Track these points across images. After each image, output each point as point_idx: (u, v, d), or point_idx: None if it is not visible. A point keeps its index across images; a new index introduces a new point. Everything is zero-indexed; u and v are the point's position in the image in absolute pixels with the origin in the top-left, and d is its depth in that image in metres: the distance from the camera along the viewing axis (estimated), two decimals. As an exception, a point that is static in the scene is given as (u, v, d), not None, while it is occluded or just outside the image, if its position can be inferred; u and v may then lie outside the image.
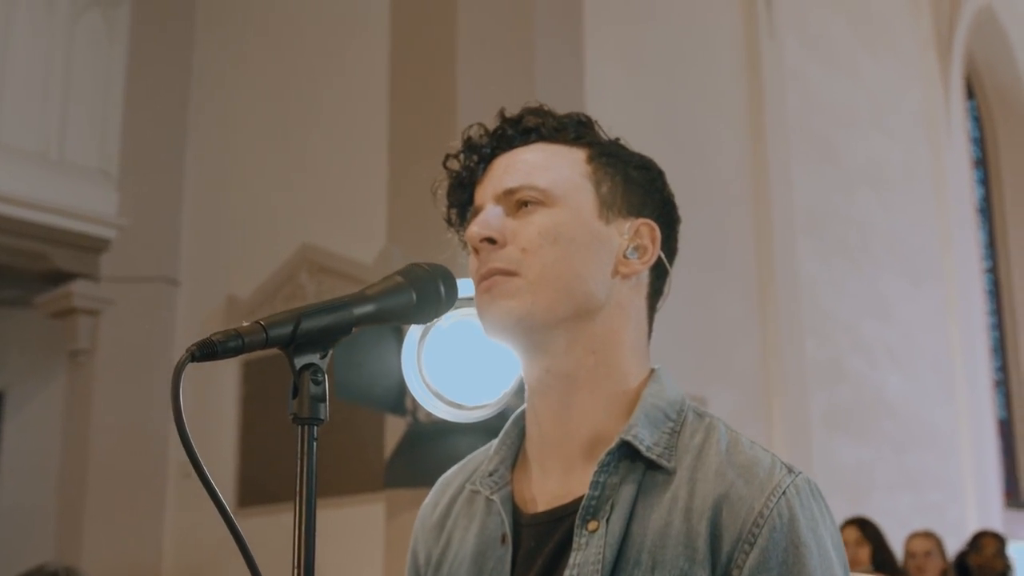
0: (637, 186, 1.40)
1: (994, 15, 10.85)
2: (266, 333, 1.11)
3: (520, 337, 1.33)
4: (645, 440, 1.30)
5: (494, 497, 1.38)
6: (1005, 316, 11.37)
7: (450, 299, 1.28)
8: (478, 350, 1.82)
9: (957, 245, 9.69)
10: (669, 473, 1.29)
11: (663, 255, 1.40)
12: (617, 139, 1.45)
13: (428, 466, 3.94)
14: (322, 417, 1.13)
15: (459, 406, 1.73)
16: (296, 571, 1.09)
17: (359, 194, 5.64)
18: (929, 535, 5.94)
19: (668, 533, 1.25)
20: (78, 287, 6.25)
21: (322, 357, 1.15)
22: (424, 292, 1.25)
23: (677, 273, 1.45)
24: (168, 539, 6.09)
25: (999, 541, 6.32)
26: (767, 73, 7.65)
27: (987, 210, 11.56)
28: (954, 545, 6.48)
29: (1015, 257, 11.43)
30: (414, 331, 1.75)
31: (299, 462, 1.11)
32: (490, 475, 1.41)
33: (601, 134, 1.44)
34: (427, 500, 1.52)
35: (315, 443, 1.13)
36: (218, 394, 5.99)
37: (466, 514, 1.44)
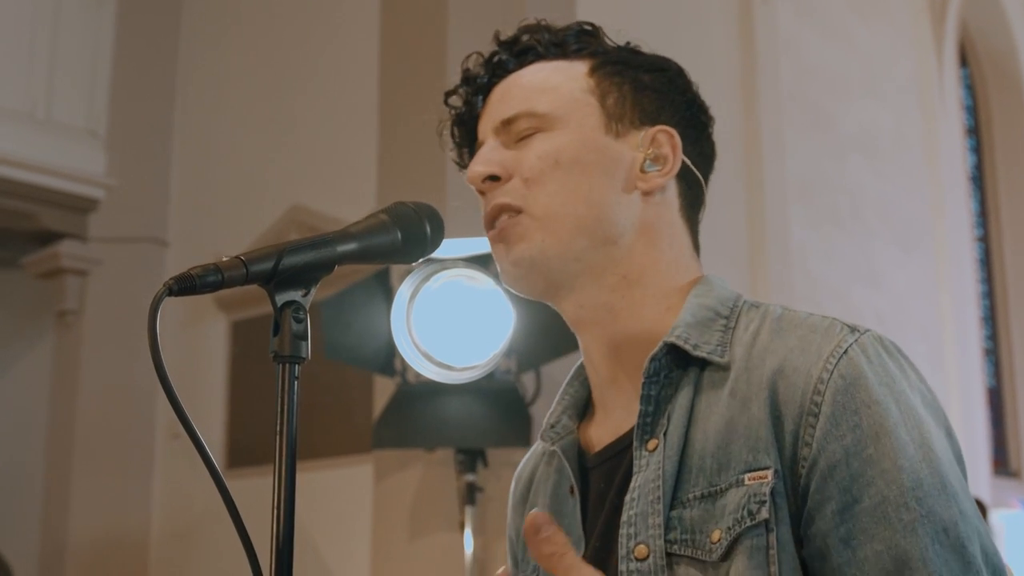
0: (651, 91, 1.32)
1: (988, -18, 10.81)
2: (246, 268, 1.08)
3: (539, 281, 1.26)
4: (692, 339, 1.21)
5: (555, 447, 1.31)
6: (996, 285, 11.39)
7: (436, 239, 1.23)
8: (468, 311, 1.81)
9: (949, 213, 9.69)
10: (725, 369, 1.19)
11: (688, 161, 1.32)
12: (627, 43, 1.36)
13: (417, 427, 3.93)
14: (303, 355, 1.10)
15: (448, 367, 1.72)
16: (276, 512, 1.07)
17: (349, 155, 5.61)
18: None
19: (731, 429, 1.15)
20: (66, 247, 6.21)
21: (304, 295, 1.12)
22: (409, 231, 1.20)
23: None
24: (156, 500, 6.08)
25: (981, 509, 6.32)
26: (760, 40, 7.61)
27: (979, 178, 11.56)
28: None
29: (1007, 226, 11.43)
30: (403, 291, 1.73)
31: (279, 400, 1.09)
32: (552, 427, 1.33)
33: (609, 41, 1.35)
34: (515, 475, 1.45)
35: (296, 381, 1.10)
36: (206, 354, 5.98)
37: (545, 479, 1.37)
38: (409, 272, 1.73)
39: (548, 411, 1.38)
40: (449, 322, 1.76)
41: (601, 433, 1.30)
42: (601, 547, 1.21)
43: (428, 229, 1.22)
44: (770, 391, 1.14)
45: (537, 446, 1.42)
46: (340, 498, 5.26)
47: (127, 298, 6.17)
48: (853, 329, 1.17)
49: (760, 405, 1.14)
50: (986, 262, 11.39)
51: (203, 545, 5.63)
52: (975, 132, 11.61)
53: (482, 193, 1.29)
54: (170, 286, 1.06)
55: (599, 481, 1.26)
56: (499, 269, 1.29)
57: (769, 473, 1.11)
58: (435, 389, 3.81)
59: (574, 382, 1.37)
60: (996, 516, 6.86)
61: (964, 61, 11.31)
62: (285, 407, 1.09)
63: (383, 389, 4.54)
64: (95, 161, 6.30)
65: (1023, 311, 11.22)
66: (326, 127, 5.85)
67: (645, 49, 1.38)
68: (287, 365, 1.09)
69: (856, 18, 8.97)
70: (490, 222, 1.28)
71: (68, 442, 6.09)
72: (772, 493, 1.10)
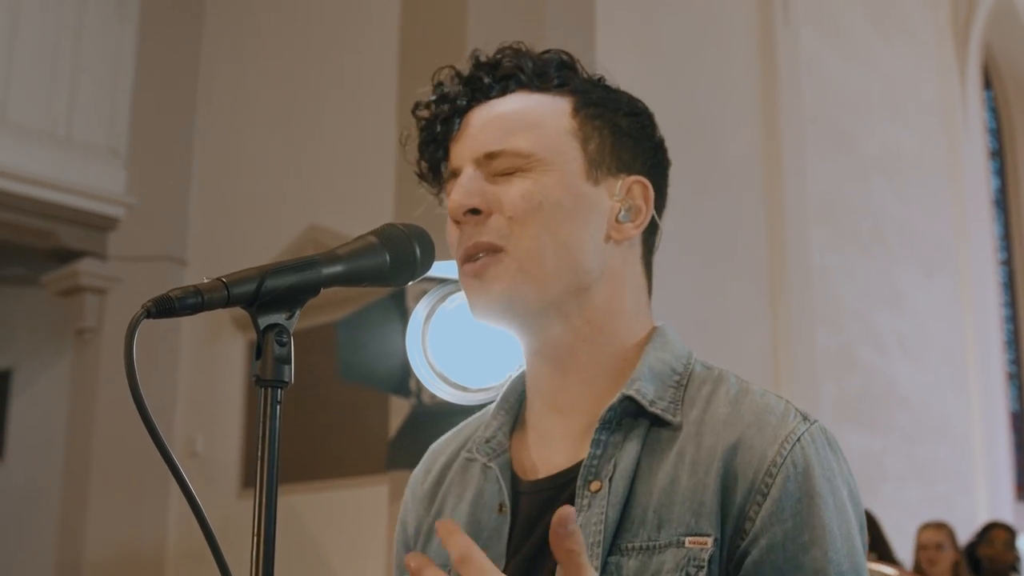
0: (627, 138, 1.30)
1: (1012, 5, 10.78)
2: (228, 291, 1.06)
3: (513, 320, 1.26)
4: (648, 394, 1.23)
5: (492, 464, 1.30)
6: (1020, 309, 11.32)
7: (426, 263, 1.21)
8: (482, 332, 1.78)
9: (972, 236, 9.64)
10: (675, 428, 1.21)
11: (655, 212, 1.31)
12: (601, 79, 1.35)
13: (432, 449, 3.90)
14: (286, 379, 1.07)
15: (463, 388, 1.70)
16: (256, 539, 1.04)
17: (367, 174, 5.61)
18: (941, 526, 5.86)
19: (674, 490, 1.18)
20: (85, 265, 6.23)
21: (288, 318, 1.09)
22: (398, 254, 1.18)
23: (689, 260, 1.39)
24: (172, 518, 6.08)
25: (1009, 533, 6.24)
26: (782, 61, 7.59)
27: (1003, 202, 11.50)
28: (965, 539, 6.44)
29: (1030, 250, 11.37)
30: (419, 312, 1.71)
31: (261, 426, 1.05)
32: (487, 442, 1.32)
33: (585, 74, 1.33)
34: (417, 468, 1.44)
35: (279, 406, 1.07)
36: (224, 373, 5.98)
37: (460, 482, 1.35)
38: (425, 293, 1.71)
39: (478, 421, 1.38)
40: (464, 343, 1.74)
41: (537, 462, 1.30)
42: (525, 571, 1.22)
43: (418, 252, 1.19)
44: (724, 462, 1.17)
45: (446, 445, 1.41)
46: (356, 518, 5.25)
47: (146, 316, 6.18)
48: (805, 418, 1.21)
49: (711, 474, 1.17)
50: (1010, 286, 11.32)
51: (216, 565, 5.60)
52: (999, 155, 11.56)
53: (457, 223, 1.26)
54: (148, 308, 1.04)
55: (531, 507, 1.26)
56: (470, 306, 1.28)
57: (710, 541, 1.15)
58: (450, 410, 3.77)
59: (509, 398, 1.36)
60: (1019, 541, 6.80)
61: (988, 83, 11.27)
62: (267, 432, 1.06)
63: (398, 410, 4.53)
64: (115, 179, 6.33)
65: (1047, 335, 11.13)
66: (345, 147, 5.85)
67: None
68: (269, 390, 1.06)
69: (879, 39, 8.95)
70: (468, 257, 1.25)
71: (86, 459, 6.10)
72: (710, 560, 1.14)
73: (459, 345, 1.74)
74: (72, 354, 6.33)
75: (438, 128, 1.31)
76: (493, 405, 1.37)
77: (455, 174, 1.29)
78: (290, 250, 5.76)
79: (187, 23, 6.66)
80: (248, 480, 5.69)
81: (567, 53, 1.35)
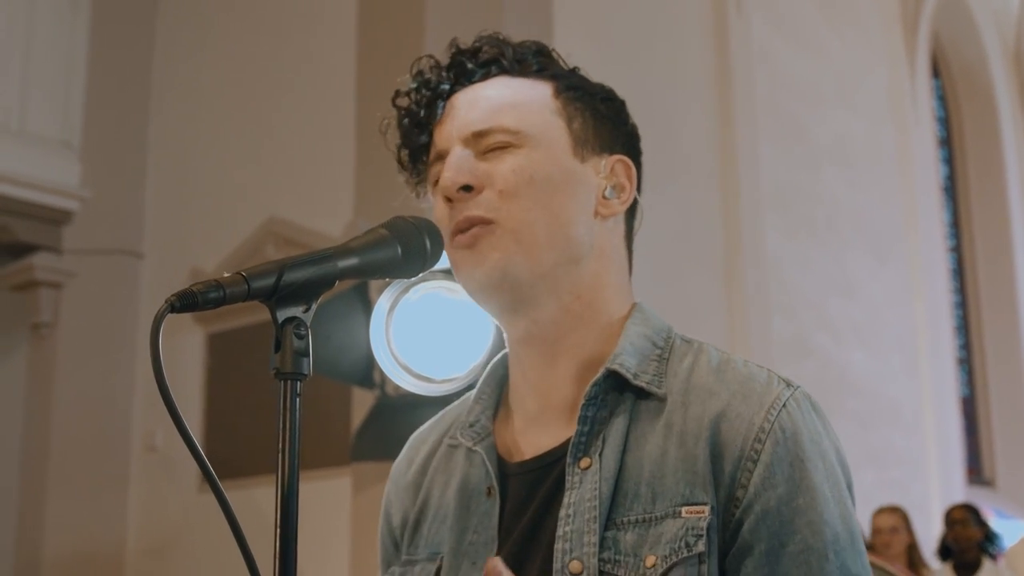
0: (607, 120, 1.34)
1: (960, -6, 10.90)
2: (248, 284, 1.07)
3: (506, 293, 1.27)
4: (632, 368, 1.25)
5: (477, 448, 1.31)
6: (969, 295, 11.47)
7: (436, 253, 1.23)
8: (447, 323, 1.80)
9: (922, 224, 9.76)
10: (660, 400, 1.23)
11: (636, 193, 1.35)
12: (575, 69, 1.37)
13: (396, 440, 3.88)
14: (305, 372, 1.09)
15: (427, 379, 1.72)
16: (278, 529, 1.05)
17: (326, 166, 5.60)
18: (895, 510, 5.93)
19: (665, 461, 1.19)
20: (40, 259, 6.18)
21: (305, 310, 1.11)
22: (410, 246, 1.20)
23: (645, 248, 1.42)
24: (132, 513, 6.05)
25: (966, 510, 6.29)
26: (734, 50, 7.65)
27: (951, 189, 11.64)
28: (918, 521, 6.53)
29: (979, 236, 11.52)
30: (382, 303, 1.72)
31: (281, 418, 1.08)
32: (470, 426, 1.33)
33: (561, 63, 1.37)
34: (399, 458, 1.44)
35: (298, 398, 1.09)
36: (183, 367, 5.95)
37: (444, 470, 1.37)
38: (388, 284, 1.72)
39: (459, 408, 1.39)
40: (428, 334, 1.75)
41: (523, 443, 1.31)
42: (520, 552, 1.24)
43: (428, 243, 1.21)
44: (712, 431, 1.19)
45: (428, 433, 1.43)
46: (318, 511, 5.24)
47: (102, 310, 6.14)
48: (788, 384, 1.23)
49: (700, 444, 1.19)
50: (959, 272, 11.47)
51: (179, 560, 5.59)
52: (947, 143, 11.70)
53: (449, 200, 1.28)
54: (172, 303, 1.04)
55: (520, 489, 1.27)
56: (463, 279, 1.29)
57: (706, 509, 1.17)
58: (414, 401, 3.78)
59: (490, 382, 1.38)
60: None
61: (936, 72, 11.40)
62: (288, 424, 1.08)
63: (362, 401, 4.53)
64: (69, 173, 6.27)
65: (996, 321, 11.30)
66: (302, 139, 5.84)
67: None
68: (289, 382, 1.09)
69: (829, 30, 9.03)
70: (460, 230, 1.27)
71: (43, 455, 6.05)
72: (708, 528, 1.16)
73: (423, 336, 1.75)
74: (27, 349, 6.28)
75: (421, 113, 1.33)
76: (474, 391, 1.38)
77: (441, 156, 1.31)
78: (248, 243, 5.75)
79: (141, 14, 6.61)
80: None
81: (542, 43, 1.38)
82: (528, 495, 1.26)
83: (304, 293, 1.11)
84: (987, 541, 6.09)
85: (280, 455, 1.07)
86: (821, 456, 1.19)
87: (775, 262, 7.75)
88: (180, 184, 6.37)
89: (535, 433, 1.30)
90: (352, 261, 1.15)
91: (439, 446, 1.40)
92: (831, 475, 1.19)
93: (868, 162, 9.26)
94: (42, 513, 5.95)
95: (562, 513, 1.21)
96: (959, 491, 9.34)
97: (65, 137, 6.32)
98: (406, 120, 1.34)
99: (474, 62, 1.34)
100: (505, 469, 1.30)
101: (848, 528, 1.18)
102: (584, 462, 1.22)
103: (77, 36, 6.42)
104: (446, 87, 1.33)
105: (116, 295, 6.14)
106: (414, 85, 1.34)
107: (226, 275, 1.07)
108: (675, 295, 6.53)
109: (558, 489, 1.23)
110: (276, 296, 1.09)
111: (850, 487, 1.23)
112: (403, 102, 1.34)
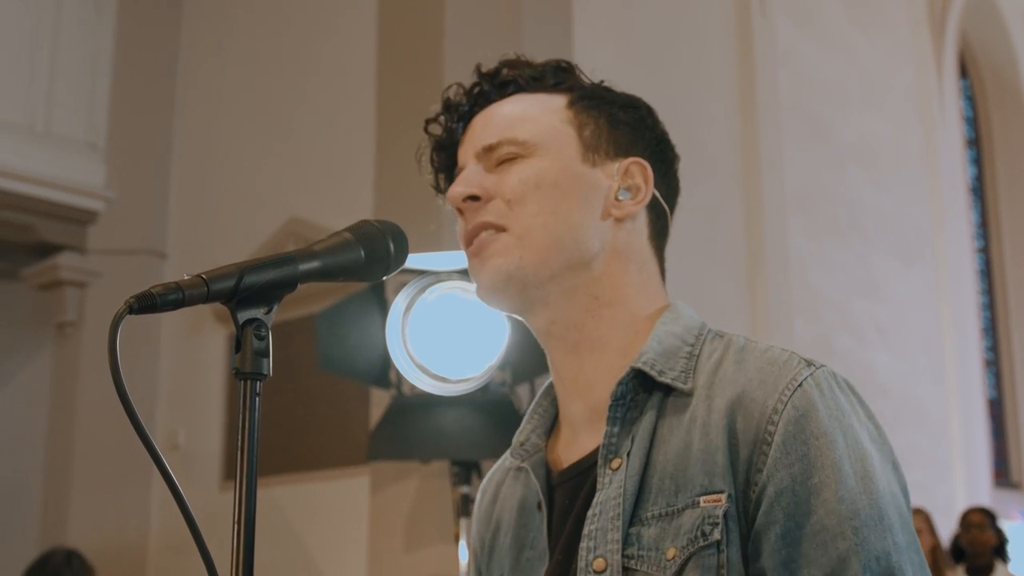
0: (624, 126, 1.36)
1: (988, -6, 10.83)
2: (207, 287, 1.09)
3: (515, 296, 1.30)
4: (658, 365, 1.26)
5: (525, 464, 1.35)
6: (996, 296, 11.39)
7: (399, 258, 1.25)
8: (463, 323, 1.80)
9: (949, 225, 9.69)
10: (687, 395, 1.24)
11: (658, 194, 1.36)
12: (601, 82, 1.41)
13: (412, 440, 3.92)
14: (265, 372, 1.11)
15: (443, 379, 1.72)
16: (236, 528, 1.07)
17: (347, 167, 5.61)
18: (918, 512, 5.91)
19: (688, 453, 1.20)
20: (65, 259, 6.22)
21: (266, 312, 1.13)
22: (373, 250, 1.22)
23: (667, 249, 1.42)
24: (155, 511, 6.08)
25: (983, 514, 6.26)
26: (759, 51, 7.62)
27: (979, 190, 11.57)
28: (943, 524, 6.48)
29: (1007, 237, 11.44)
30: (399, 303, 1.73)
31: (241, 417, 1.09)
32: (521, 445, 1.38)
33: (584, 78, 1.41)
34: (480, 488, 1.50)
35: (257, 398, 1.11)
36: (205, 366, 5.97)
37: (511, 495, 1.42)
38: (405, 284, 1.73)
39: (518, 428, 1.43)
40: (444, 334, 1.75)
41: (567, 452, 1.34)
42: (564, 560, 1.26)
43: (391, 247, 1.23)
44: (728, 420, 1.19)
45: (504, 461, 1.47)
46: (336, 510, 5.26)
47: (126, 310, 6.16)
48: (809, 363, 1.22)
49: (718, 432, 1.19)
50: (986, 273, 11.39)
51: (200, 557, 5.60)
52: (975, 143, 11.62)
53: (460, 212, 1.33)
54: (131, 304, 1.07)
55: (564, 497, 1.30)
56: (476, 284, 1.33)
57: (723, 497, 1.17)
58: (430, 401, 3.81)
59: (543, 400, 1.42)
60: (1009, 528, 6.86)
61: (964, 72, 11.33)
62: (247, 424, 1.09)
63: (378, 401, 4.54)
64: (94, 173, 6.31)
65: (1024, 322, 11.21)
66: (324, 139, 5.85)
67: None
68: (248, 382, 1.10)
69: (855, 29, 8.99)
70: (470, 239, 1.32)
71: (67, 453, 6.09)
72: (725, 516, 1.16)
73: (439, 336, 1.75)
74: (53, 348, 6.32)
75: (445, 138, 1.39)
76: (528, 411, 1.43)
77: (460, 173, 1.36)
78: (270, 243, 5.76)
79: (166, 16, 6.64)
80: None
81: (566, 60, 1.42)
82: (570, 502, 1.29)
83: (265, 295, 1.13)
84: (1001, 547, 6.08)
85: (239, 453, 1.09)
86: (843, 432, 1.17)
87: (799, 263, 7.72)
88: (203, 185, 6.40)
89: (581, 440, 1.33)
90: (313, 264, 1.17)
91: (507, 475, 1.45)
92: (854, 451, 1.16)
93: (894, 163, 9.21)
94: (66, 510, 5.98)
95: (589, 513, 1.23)
96: (985, 494, 9.28)
97: (90, 138, 6.35)
98: (433, 144, 1.41)
99: (492, 84, 1.39)
100: (552, 481, 1.34)
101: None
102: (615, 462, 1.24)
103: (102, 38, 6.45)
104: (466, 109, 1.39)
105: (140, 295, 6.17)
106: (440, 112, 1.40)
107: (186, 277, 1.10)
108: (698, 296, 6.48)
109: (594, 492, 1.25)
110: (236, 298, 1.11)
111: (895, 466, 1.21)
112: (434, 129, 1.41)
